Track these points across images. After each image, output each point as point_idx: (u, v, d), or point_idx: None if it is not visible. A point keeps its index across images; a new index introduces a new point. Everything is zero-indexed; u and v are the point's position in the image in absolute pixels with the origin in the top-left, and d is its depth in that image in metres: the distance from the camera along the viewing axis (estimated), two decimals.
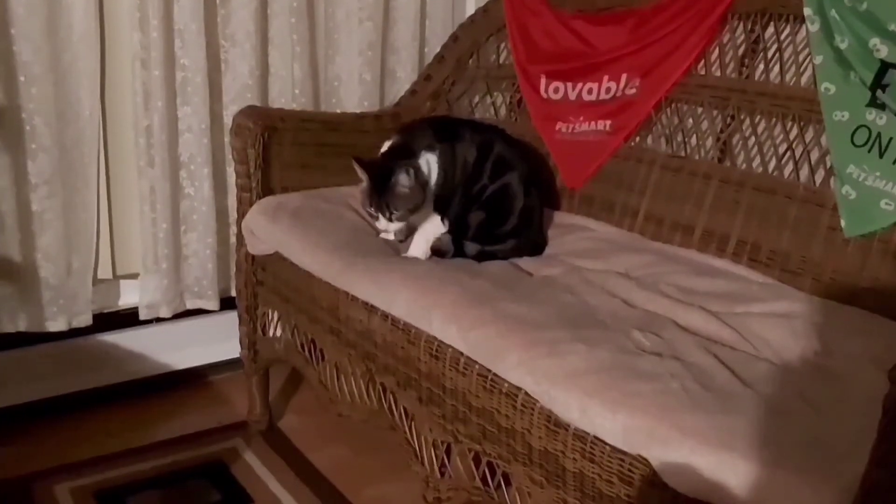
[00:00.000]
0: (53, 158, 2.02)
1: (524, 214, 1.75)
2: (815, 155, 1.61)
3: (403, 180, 1.61)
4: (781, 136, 1.68)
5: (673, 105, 1.89)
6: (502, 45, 2.33)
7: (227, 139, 2.22)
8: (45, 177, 2.02)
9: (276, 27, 2.28)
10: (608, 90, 1.99)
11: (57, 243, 2.07)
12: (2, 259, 2.02)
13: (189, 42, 2.12)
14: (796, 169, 1.64)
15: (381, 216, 1.65)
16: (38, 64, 1.95)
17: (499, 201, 1.74)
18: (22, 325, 2.08)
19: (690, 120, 1.85)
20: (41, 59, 1.95)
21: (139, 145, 2.13)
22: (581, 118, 2.03)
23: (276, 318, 2.01)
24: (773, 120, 1.70)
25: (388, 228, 1.70)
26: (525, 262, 1.71)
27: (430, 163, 1.68)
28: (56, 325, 2.11)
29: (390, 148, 1.73)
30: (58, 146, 2.02)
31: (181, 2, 2.09)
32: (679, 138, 1.87)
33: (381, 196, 1.63)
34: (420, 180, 1.64)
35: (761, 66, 1.75)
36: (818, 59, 1.59)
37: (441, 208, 1.73)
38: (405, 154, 1.67)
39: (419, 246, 1.71)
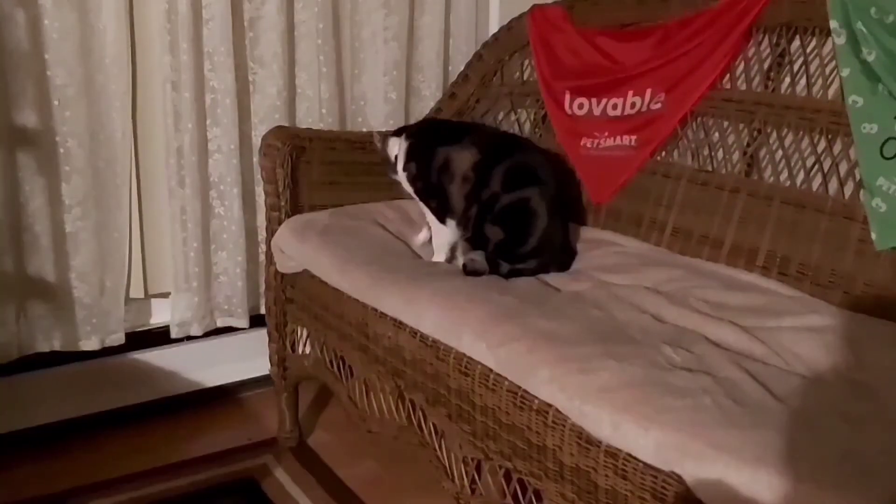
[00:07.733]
0: (87, 180, 2.06)
1: (546, 236, 1.72)
2: (843, 168, 1.60)
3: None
4: (809, 150, 1.67)
5: (699, 119, 1.89)
6: (526, 63, 2.34)
7: (255, 159, 2.24)
8: (78, 198, 2.06)
9: (303, 49, 2.32)
10: (633, 105, 1.99)
11: (90, 263, 2.10)
12: (37, 279, 2.06)
13: (218, 64, 2.15)
14: (825, 182, 1.63)
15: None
16: (72, 87, 1.99)
17: (517, 218, 1.72)
18: (56, 343, 2.11)
19: (717, 134, 1.85)
20: (75, 83, 2.00)
21: (170, 166, 2.17)
22: (606, 133, 2.03)
23: (305, 336, 2.03)
24: (801, 133, 1.69)
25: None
26: (553, 278, 1.71)
27: (400, 146, 1.89)
28: (90, 343, 2.14)
29: None
30: (91, 168, 2.06)
31: (210, 25, 2.13)
32: (705, 152, 1.86)
33: None
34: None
35: (787, 80, 1.74)
36: (845, 72, 1.58)
37: (437, 206, 1.83)
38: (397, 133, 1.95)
39: (438, 252, 1.84)
